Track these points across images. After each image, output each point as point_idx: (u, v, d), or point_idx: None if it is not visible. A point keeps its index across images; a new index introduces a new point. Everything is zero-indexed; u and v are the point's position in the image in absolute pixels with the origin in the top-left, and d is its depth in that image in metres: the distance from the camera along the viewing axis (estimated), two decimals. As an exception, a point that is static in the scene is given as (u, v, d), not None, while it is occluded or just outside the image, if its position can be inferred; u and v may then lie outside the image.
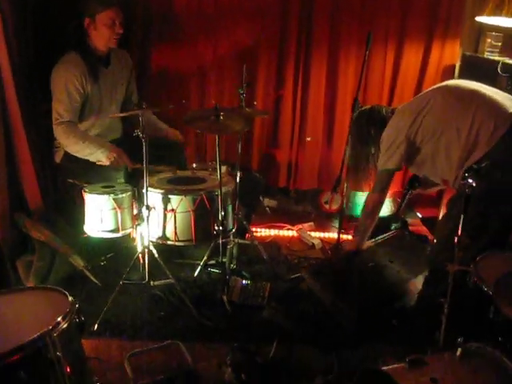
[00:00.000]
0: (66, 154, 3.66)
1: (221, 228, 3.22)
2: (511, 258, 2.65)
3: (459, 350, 2.06)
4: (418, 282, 3.35)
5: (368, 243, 3.53)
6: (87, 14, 3.56)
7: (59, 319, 1.84)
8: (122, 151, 3.55)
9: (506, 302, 2.10)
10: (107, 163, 3.51)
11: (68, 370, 1.82)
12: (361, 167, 3.38)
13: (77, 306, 1.97)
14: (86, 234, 3.35)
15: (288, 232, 4.53)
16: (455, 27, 4.51)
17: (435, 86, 3.20)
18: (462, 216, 2.35)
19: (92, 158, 3.54)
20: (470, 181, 2.29)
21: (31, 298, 2.09)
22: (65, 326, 1.85)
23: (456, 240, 2.37)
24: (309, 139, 4.77)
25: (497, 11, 3.67)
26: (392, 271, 3.35)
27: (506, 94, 2.96)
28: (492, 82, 3.82)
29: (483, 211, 2.72)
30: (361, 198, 4.53)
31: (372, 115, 3.30)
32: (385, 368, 2.04)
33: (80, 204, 3.39)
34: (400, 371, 2.00)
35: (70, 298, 1.98)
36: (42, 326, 1.78)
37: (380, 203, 3.26)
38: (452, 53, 4.57)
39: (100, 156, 3.52)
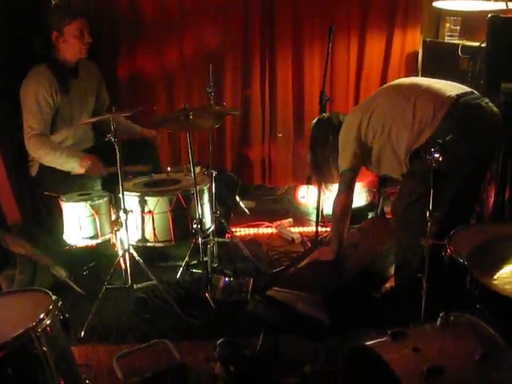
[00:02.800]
0: (42, 167, 3.67)
1: (199, 226, 3.24)
2: (482, 230, 2.72)
3: (439, 319, 2.11)
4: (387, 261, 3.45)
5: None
6: (54, 28, 3.57)
7: (42, 316, 1.87)
8: (96, 158, 3.56)
9: (480, 271, 2.16)
10: (82, 171, 3.51)
11: (55, 365, 1.84)
12: (323, 169, 3.41)
13: (60, 303, 1.99)
14: (66, 246, 3.37)
15: (267, 229, 4.56)
16: (414, 15, 4.61)
17: (379, 88, 3.32)
18: (431, 190, 2.41)
19: (66, 168, 3.55)
20: (437, 155, 2.34)
21: (15, 299, 2.12)
22: (48, 321, 1.87)
23: (428, 214, 2.43)
24: (280, 135, 4.83)
25: (452, -5, 3.77)
26: (358, 257, 3.39)
27: (447, 82, 3.04)
28: (454, 64, 3.94)
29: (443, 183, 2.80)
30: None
31: (330, 122, 3.36)
32: (368, 343, 2.08)
33: (58, 216, 3.40)
34: (383, 344, 2.04)
35: (53, 297, 2.01)
36: (27, 323, 1.81)
37: (348, 204, 3.26)
38: (413, 40, 4.69)
39: (73, 165, 3.53)
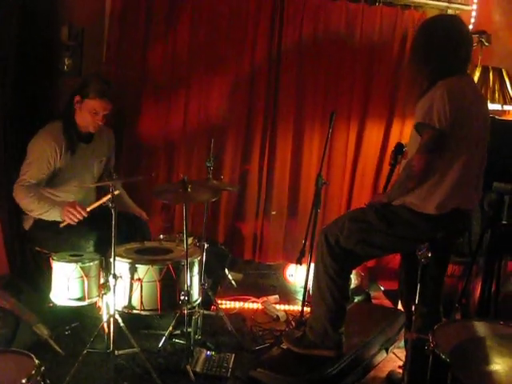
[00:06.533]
0: (35, 222, 3.68)
1: (186, 298, 3.24)
2: (467, 326, 2.74)
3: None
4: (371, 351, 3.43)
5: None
6: (80, 93, 3.65)
7: (24, 381, 1.84)
8: (76, 202, 3.56)
9: (462, 371, 2.17)
10: (66, 219, 3.51)
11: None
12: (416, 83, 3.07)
13: (42, 368, 1.98)
14: (51, 303, 3.35)
15: (253, 304, 4.56)
16: (413, 107, 4.72)
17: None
18: (418, 285, 2.45)
19: (48, 217, 3.57)
20: (426, 252, 2.39)
21: (-4, 360, 2.09)
22: (30, 388, 1.85)
23: (414, 308, 2.46)
24: (274, 212, 4.88)
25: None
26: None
27: None
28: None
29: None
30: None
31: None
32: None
33: (47, 272, 3.40)
34: None
35: (36, 361, 1.99)
36: (7, 388, 1.79)
37: (429, 166, 2.83)
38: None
39: (54, 213, 3.55)
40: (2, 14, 3.62)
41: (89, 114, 3.66)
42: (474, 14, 4.76)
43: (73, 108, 3.69)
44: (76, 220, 3.51)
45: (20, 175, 3.61)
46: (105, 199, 3.40)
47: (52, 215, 3.57)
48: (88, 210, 3.52)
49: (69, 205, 3.53)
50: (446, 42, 2.91)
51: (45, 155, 3.61)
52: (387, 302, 4.58)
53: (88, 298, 3.26)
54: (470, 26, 4.70)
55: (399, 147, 3.19)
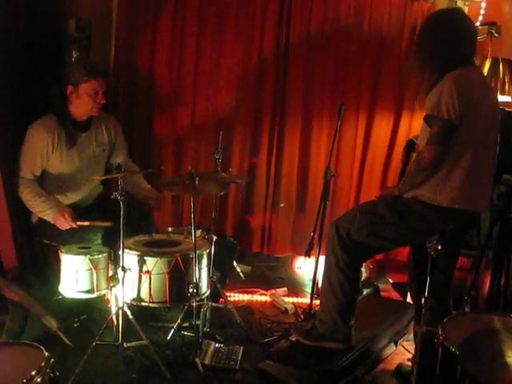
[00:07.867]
0: (43, 216, 3.69)
1: (195, 290, 3.24)
2: (478, 318, 2.72)
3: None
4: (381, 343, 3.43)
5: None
6: (71, 82, 3.61)
7: (33, 373, 1.84)
8: (70, 212, 3.56)
9: (471, 364, 2.16)
10: (57, 225, 3.55)
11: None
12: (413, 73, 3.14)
13: (52, 360, 1.98)
14: (60, 295, 3.36)
15: (261, 297, 4.56)
16: (422, 99, 4.69)
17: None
18: (428, 278, 2.44)
19: (40, 215, 3.60)
20: (436, 244, 2.38)
21: (6, 352, 2.09)
22: (39, 379, 1.84)
23: (423, 301, 2.45)
24: (282, 205, 4.88)
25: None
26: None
27: None
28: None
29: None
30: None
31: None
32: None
33: (55, 265, 3.41)
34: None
35: (46, 353, 1.99)
36: (16, 380, 1.78)
37: (438, 160, 2.82)
38: (421, 124, 4.74)
39: (48, 216, 3.56)
40: (8, 14, 3.60)
41: (89, 97, 3.62)
42: (483, 5, 4.70)
43: (66, 99, 3.65)
44: (66, 228, 3.55)
45: (20, 166, 3.61)
46: (99, 223, 3.52)
47: (46, 217, 3.58)
48: (78, 223, 3.55)
49: (61, 212, 3.55)
50: (451, 36, 2.91)
51: (38, 150, 3.60)
52: (396, 295, 4.56)
53: (97, 291, 3.27)
54: (480, 18, 4.66)
55: (411, 144, 3.18)
